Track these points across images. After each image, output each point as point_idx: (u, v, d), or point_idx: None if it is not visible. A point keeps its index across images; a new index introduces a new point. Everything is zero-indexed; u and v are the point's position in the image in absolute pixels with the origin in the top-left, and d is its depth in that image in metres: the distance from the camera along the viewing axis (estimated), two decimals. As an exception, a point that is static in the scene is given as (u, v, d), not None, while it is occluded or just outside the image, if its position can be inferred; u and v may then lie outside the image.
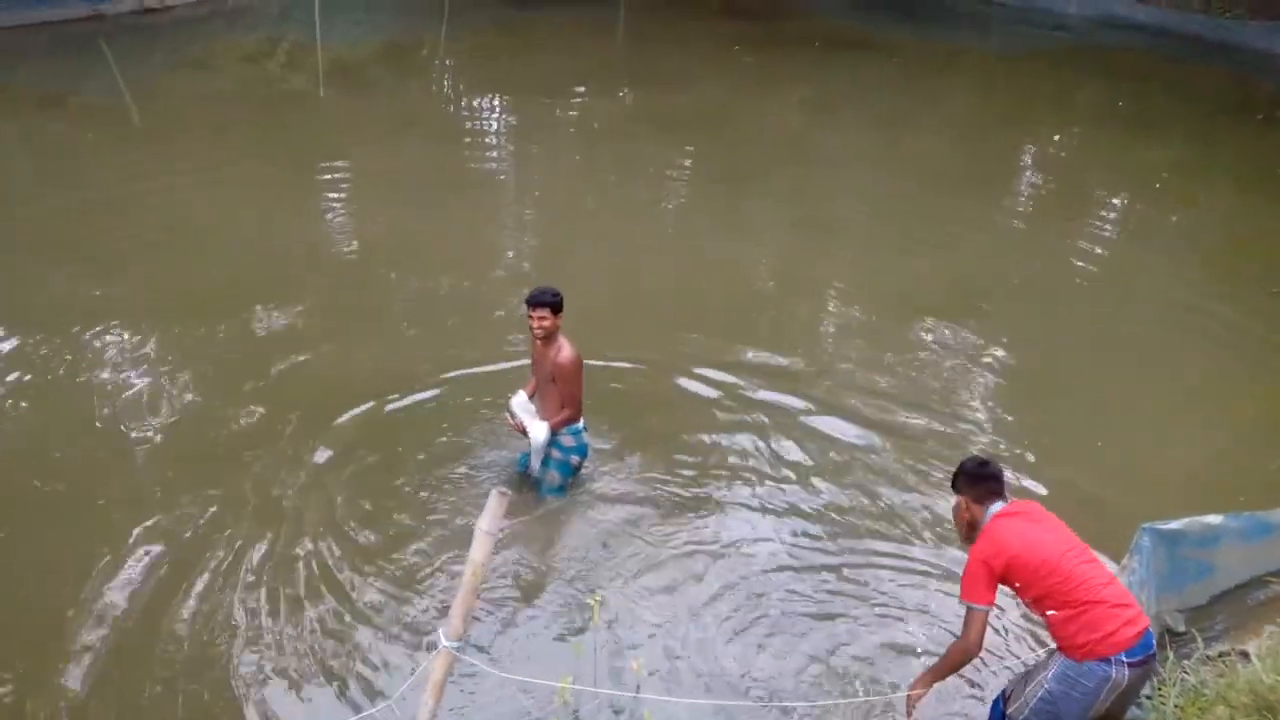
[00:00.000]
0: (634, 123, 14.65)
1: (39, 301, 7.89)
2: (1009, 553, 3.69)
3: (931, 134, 14.33)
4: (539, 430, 5.54)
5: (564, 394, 5.49)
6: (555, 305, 5.32)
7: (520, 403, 5.66)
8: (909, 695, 4.03)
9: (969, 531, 3.98)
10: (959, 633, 3.86)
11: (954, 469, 4.07)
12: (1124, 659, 3.61)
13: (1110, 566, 4.35)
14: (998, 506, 3.88)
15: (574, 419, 5.62)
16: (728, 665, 4.79)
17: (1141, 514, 4.92)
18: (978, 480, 3.92)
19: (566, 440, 5.67)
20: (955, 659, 3.88)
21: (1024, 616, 5.04)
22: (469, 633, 4.41)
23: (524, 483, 5.88)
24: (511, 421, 5.65)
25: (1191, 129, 15.15)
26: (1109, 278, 9.69)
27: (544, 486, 5.81)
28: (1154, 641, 3.72)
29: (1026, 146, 14.33)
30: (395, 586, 5.19)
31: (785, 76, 17.18)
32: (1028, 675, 3.94)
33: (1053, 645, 3.83)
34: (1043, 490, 6.08)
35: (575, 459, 5.79)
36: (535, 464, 5.71)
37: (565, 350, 5.36)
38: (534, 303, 5.32)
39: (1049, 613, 3.72)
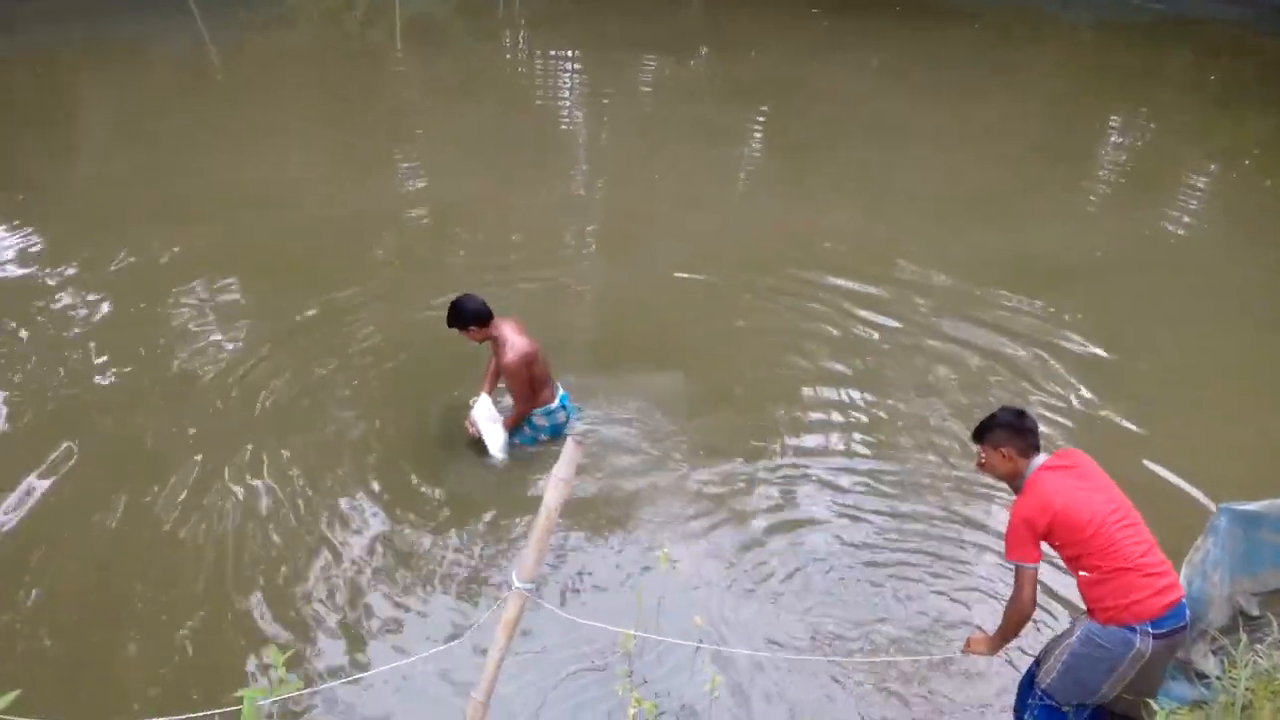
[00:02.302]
0: (706, 86, 14.56)
1: (119, 256, 8.10)
2: (1053, 510, 3.63)
3: (1012, 104, 14.00)
4: (494, 439, 5.72)
5: (513, 393, 5.66)
6: (459, 324, 5.46)
7: (481, 412, 5.73)
8: (967, 643, 4.10)
9: (1010, 481, 3.94)
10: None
11: (988, 421, 3.93)
12: (1149, 629, 3.59)
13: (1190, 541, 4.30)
14: (1042, 459, 3.82)
15: (525, 413, 5.75)
16: (791, 620, 4.84)
17: (1219, 494, 4.83)
18: (1022, 432, 3.83)
19: (539, 420, 5.85)
20: (1013, 622, 3.83)
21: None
22: (541, 577, 4.53)
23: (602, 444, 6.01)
24: (470, 430, 5.76)
25: (1287, 104, 14.60)
26: (1194, 256, 9.43)
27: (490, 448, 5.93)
28: (1185, 615, 3.69)
29: (1111, 119, 13.91)
30: (470, 529, 5.33)
31: (861, 41, 16.89)
32: (1056, 640, 3.93)
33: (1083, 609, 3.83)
34: (1117, 466, 6.00)
35: (544, 438, 5.93)
36: (496, 451, 5.78)
37: (506, 354, 5.46)
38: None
39: (1080, 573, 3.69)
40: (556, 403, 5.87)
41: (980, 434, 3.95)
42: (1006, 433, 3.84)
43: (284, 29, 16.10)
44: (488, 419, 5.73)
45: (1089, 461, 3.86)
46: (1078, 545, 3.64)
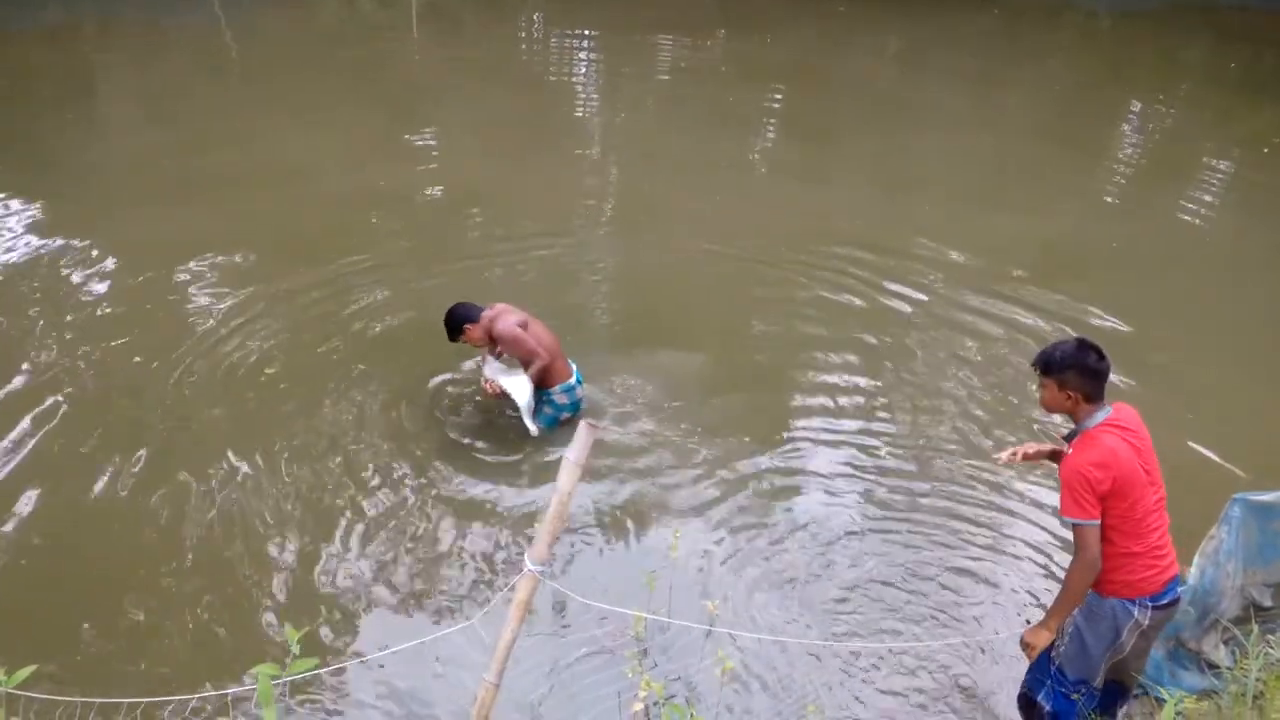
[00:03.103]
0: (723, 71, 14.50)
1: (134, 233, 8.14)
2: (1114, 473, 3.43)
3: (1030, 91, 13.92)
4: (521, 390, 5.73)
5: (520, 359, 5.80)
6: (456, 333, 5.76)
7: (492, 369, 5.88)
8: (1029, 646, 3.81)
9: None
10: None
11: (1061, 355, 3.53)
12: (1148, 603, 3.62)
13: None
14: (1106, 413, 3.56)
15: (545, 375, 5.80)
16: (804, 605, 4.84)
17: (1232, 485, 4.82)
18: (1097, 376, 3.50)
19: (560, 399, 5.92)
20: (1078, 585, 3.58)
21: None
22: (553, 559, 4.55)
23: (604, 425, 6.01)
24: (491, 390, 5.80)
25: (1307, 93, 14.45)
26: (1211, 245, 9.37)
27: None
28: (1179, 586, 3.72)
29: (1129, 107, 13.81)
30: (482, 511, 5.35)
31: (879, 27, 16.80)
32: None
33: None
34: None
35: (565, 415, 5.99)
36: (529, 419, 5.83)
37: (497, 326, 5.71)
38: None
39: None
40: (573, 379, 5.94)
41: (1048, 366, 3.58)
42: (1079, 375, 3.50)
43: (299, 10, 16.09)
44: (503, 372, 5.84)
45: (1143, 426, 3.65)
46: (1111, 519, 3.53)
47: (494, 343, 5.82)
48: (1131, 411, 3.67)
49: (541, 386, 5.85)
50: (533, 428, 5.82)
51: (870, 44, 15.75)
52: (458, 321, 5.73)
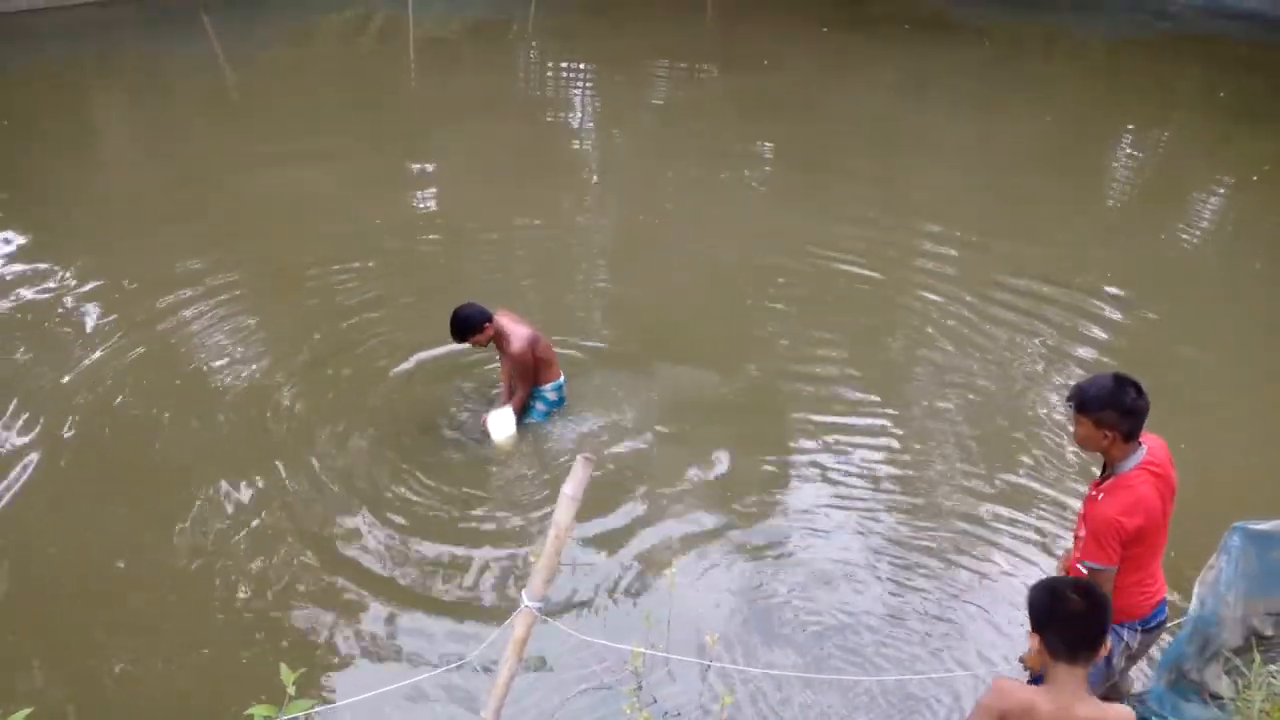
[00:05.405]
0: (719, 104, 14.59)
1: (132, 269, 8.15)
2: (1139, 520, 3.41)
3: (1024, 120, 13.99)
4: (501, 429, 5.95)
5: (519, 378, 5.99)
6: (465, 333, 5.78)
7: (497, 418, 6.05)
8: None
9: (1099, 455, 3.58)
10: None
11: (1098, 391, 3.38)
12: (1137, 626, 3.70)
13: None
14: (1141, 453, 3.46)
15: (540, 374, 6.07)
16: (804, 638, 4.82)
17: (1230, 515, 4.79)
18: (1135, 414, 3.35)
19: (551, 395, 6.22)
20: None
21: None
22: (549, 594, 4.53)
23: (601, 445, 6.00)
24: (483, 422, 6.09)
25: (1298, 121, 14.52)
26: (1205, 272, 9.40)
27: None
28: (1166, 609, 3.80)
29: (1122, 135, 13.89)
30: (478, 546, 5.33)
31: (873, 59, 16.92)
32: None
33: None
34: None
35: (555, 411, 6.31)
36: (495, 429, 6.03)
37: (512, 344, 5.84)
38: None
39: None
40: (562, 378, 6.21)
41: (1084, 404, 3.42)
42: (1116, 413, 3.35)
43: (298, 47, 16.20)
44: (499, 419, 6.00)
45: (1169, 458, 3.59)
46: (1124, 558, 3.53)
47: (500, 347, 5.95)
48: (1160, 444, 3.60)
49: (535, 384, 6.09)
50: (495, 437, 5.99)
51: (866, 76, 15.86)
52: (473, 322, 5.74)
